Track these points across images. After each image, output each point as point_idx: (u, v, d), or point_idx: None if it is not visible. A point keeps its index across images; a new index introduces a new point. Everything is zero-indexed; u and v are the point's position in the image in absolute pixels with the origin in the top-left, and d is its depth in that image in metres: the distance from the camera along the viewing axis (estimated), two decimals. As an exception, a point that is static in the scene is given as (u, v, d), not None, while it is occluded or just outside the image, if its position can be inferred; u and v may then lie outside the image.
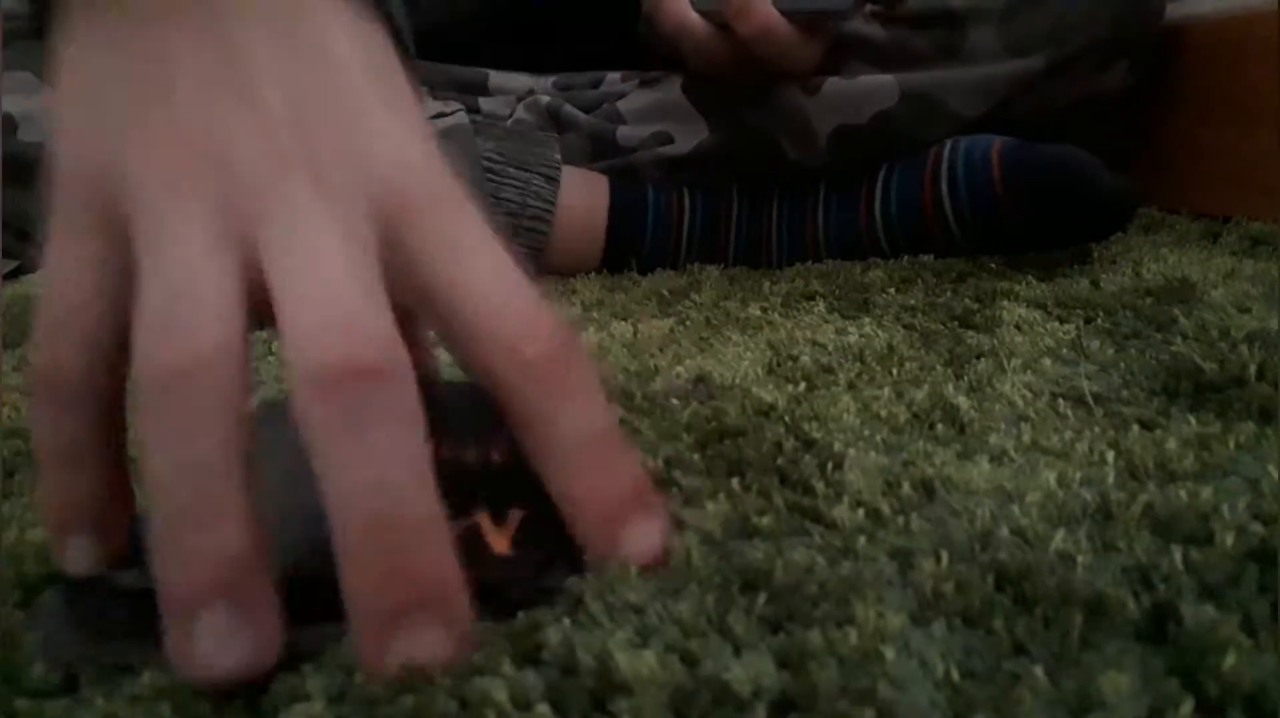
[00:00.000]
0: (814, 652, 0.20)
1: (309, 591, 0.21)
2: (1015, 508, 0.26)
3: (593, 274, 0.66)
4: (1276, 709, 0.18)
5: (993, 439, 0.31)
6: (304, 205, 0.22)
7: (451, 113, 0.65)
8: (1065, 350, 0.39)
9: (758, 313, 0.50)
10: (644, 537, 0.23)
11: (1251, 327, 0.39)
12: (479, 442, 0.26)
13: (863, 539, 0.25)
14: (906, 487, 0.28)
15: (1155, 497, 0.26)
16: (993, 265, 0.56)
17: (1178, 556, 0.23)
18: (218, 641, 0.20)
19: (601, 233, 0.66)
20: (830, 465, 0.30)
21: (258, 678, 0.20)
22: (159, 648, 0.20)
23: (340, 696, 0.20)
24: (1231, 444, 0.29)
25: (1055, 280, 0.51)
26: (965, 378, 0.37)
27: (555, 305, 0.56)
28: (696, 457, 0.31)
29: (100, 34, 0.24)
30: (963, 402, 0.34)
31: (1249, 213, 0.62)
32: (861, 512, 0.27)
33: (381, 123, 0.24)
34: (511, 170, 0.65)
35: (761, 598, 0.22)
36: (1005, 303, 0.47)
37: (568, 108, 0.70)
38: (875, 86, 0.62)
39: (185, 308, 0.21)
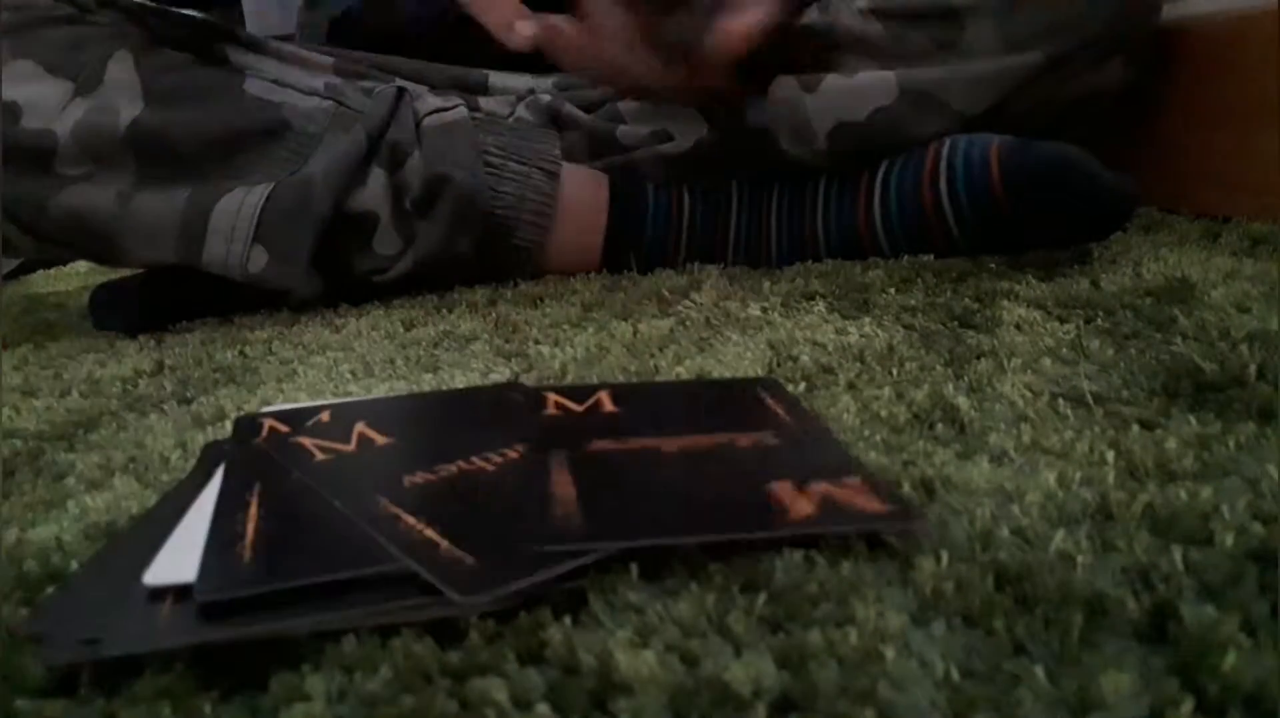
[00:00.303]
0: (814, 652, 0.20)
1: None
2: (1015, 508, 0.26)
3: (593, 274, 0.66)
4: (1276, 709, 0.18)
5: (993, 439, 0.31)
6: None
7: (452, 107, 0.65)
8: (1065, 350, 0.39)
9: (758, 313, 0.50)
10: None
11: (1251, 327, 0.39)
12: None
13: (863, 539, 0.25)
14: (906, 487, 0.28)
15: (1155, 497, 0.26)
16: (993, 265, 0.56)
17: (1178, 555, 0.23)
18: None
19: (601, 229, 0.66)
20: (830, 465, 0.30)
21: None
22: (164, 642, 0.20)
23: (340, 696, 0.20)
24: (1231, 444, 0.29)
25: (1055, 280, 0.51)
26: (965, 378, 0.37)
27: (555, 305, 0.57)
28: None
29: None
30: (963, 402, 0.34)
31: (1249, 213, 0.62)
32: (861, 512, 0.27)
33: None
34: (512, 165, 0.65)
35: (761, 598, 0.22)
36: (1005, 303, 0.47)
37: (568, 107, 0.70)
38: (874, 83, 0.62)
39: None
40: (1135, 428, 0.31)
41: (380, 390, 0.43)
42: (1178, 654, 0.20)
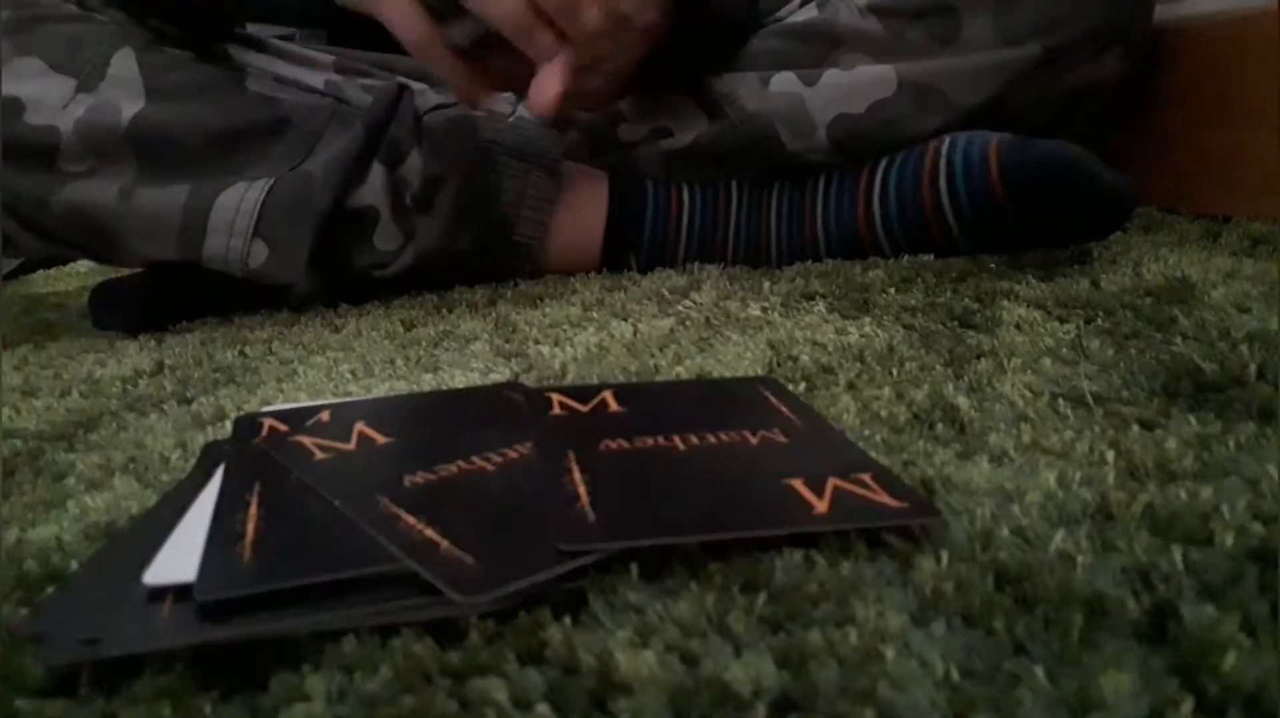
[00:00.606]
0: (814, 652, 0.20)
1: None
2: (1015, 508, 0.26)
3: (593, 274, 0.66)
4: (1276, 709, 0.18)
5: (993, 439, 0.31)
6: None
7: (452, 104, 0.66)
8: (1065, 350, 0.39)
9: (758, 313, 0.50)
10: None
11: (1251, 327, 0.39)
12: None
13: (863, 539, 0.25)
14: (906, 487, 0.28)
15: (1155, 497, 0.26)
16: (993, 265, 0.56)
17: (1178, 555, 0.23)
18: None
19: (600, 227, 0.66)
20: (830, 465, 0.30)
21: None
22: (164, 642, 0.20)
23: (340, 696, 0.20)
24: (1231, 444, 0.29)
25: (1055, 280, 0.51)
26: (965, 378, 0.37)
27: (555, 305, 0.56)
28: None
29: None
30: (963, 402, 0.34)
31: (1248, 213, 0.62)
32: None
33: None
34: (513, 162, 0.65)
35: (761, 598, 0.22)
36: (1005, 303, 0.47)
37: (569, 107, 0.70)
38: (873, 77, 0.63)
39: None
40: (1135, 428, 0.31)
41: (380, 390, 0.43)
42: (1178, 654, 0.20)
